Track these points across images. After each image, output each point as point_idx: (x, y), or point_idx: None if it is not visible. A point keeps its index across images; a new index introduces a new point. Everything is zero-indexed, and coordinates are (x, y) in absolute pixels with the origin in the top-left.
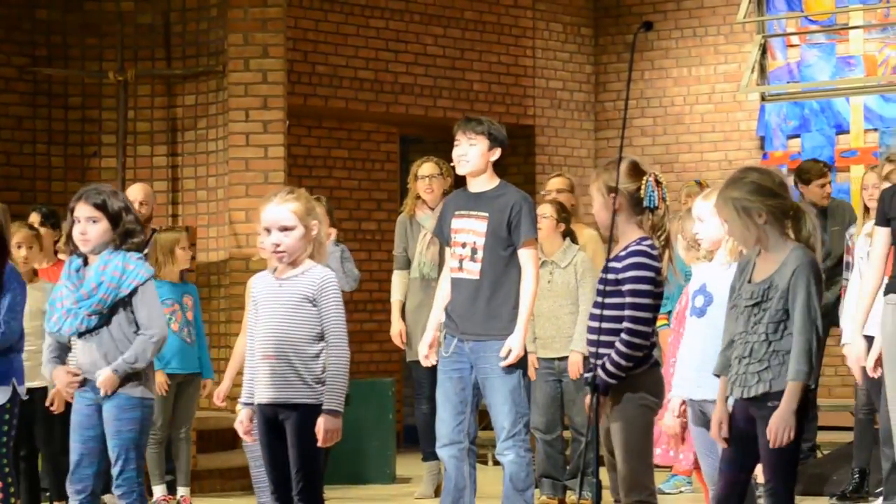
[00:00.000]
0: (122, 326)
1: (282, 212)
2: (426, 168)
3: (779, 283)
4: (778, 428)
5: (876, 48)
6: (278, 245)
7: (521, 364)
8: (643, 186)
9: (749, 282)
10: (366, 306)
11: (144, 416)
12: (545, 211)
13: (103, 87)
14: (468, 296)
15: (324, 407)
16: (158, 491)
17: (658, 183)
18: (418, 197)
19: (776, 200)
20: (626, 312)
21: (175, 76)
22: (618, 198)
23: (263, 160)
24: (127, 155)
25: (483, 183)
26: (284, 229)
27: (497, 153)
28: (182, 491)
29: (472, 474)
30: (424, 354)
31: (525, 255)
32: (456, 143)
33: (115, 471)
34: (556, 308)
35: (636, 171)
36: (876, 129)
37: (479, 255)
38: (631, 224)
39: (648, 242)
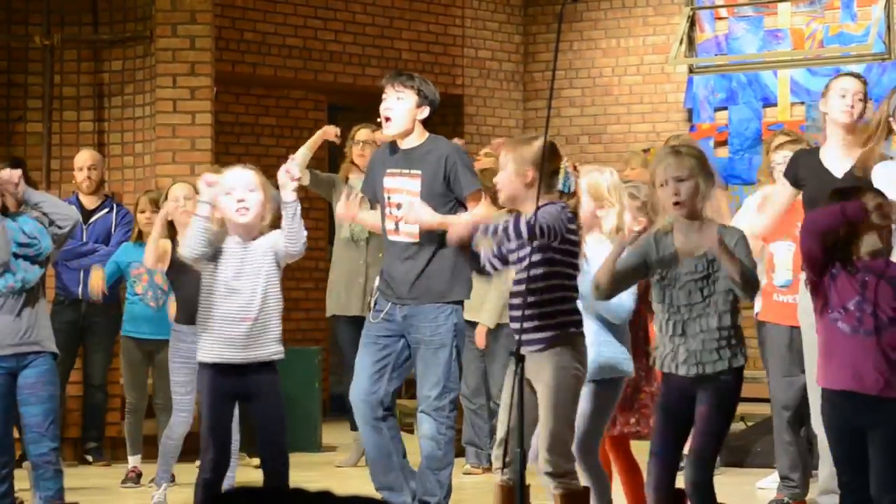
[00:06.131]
0: None
1: (246, 175)
2: (362, 133)
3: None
4: None
5: (803, 22)
6: (243, 201)
7: (458, 335)
8: (561, 170)
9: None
10: (293, 274)
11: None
12: None
13: (29, 52)
14: (406, 258)
15: None
16: (133, 461)
17: (575, 169)
18: (352, 161)
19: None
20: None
21: (102, 41)
22: (533, 173)
23: (190, 127)
24: (53, 120)
25: (412, 139)
26: (250, 190)
27: (426, 112)
28: None
29: (395, 438)
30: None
31: (475, 209)
32: (384, 96)
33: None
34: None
35: (554, 152)
36: (802, 103)
37: None
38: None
39: (562, 205)
